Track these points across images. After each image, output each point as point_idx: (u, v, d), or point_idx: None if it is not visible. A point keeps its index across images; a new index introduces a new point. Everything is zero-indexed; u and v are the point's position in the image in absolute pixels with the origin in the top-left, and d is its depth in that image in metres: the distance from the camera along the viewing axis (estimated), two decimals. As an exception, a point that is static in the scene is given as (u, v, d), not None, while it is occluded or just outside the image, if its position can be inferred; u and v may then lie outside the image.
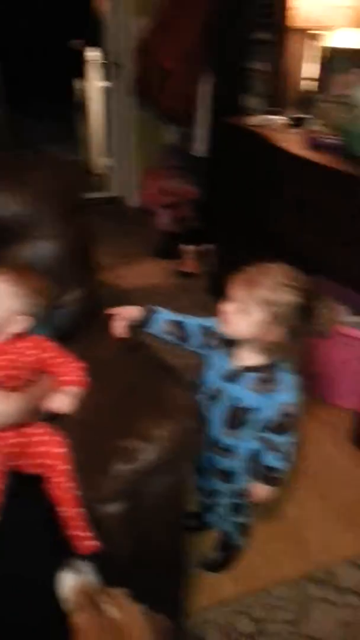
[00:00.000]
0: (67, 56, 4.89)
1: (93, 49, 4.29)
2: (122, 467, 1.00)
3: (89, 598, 0.89)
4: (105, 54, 4.09)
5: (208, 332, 1.26)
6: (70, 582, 0.92)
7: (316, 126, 2.10)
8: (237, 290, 1.14)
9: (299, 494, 1.76)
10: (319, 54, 2.46)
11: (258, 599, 1.43)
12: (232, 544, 1.51)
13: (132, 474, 1.01)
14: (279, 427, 1.20)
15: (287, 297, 1.09)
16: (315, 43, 2.45)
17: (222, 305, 1.17)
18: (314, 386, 2.24)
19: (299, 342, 1.16)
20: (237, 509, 1.40)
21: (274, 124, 2.46)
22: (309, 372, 2.25)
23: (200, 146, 3.27)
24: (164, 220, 3.80)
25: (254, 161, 2.35)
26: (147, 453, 1.01)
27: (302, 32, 2.48)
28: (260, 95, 2.93)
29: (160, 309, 1.31)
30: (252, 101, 3.05)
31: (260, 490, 1.26)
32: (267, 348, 1.16)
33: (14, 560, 0.97)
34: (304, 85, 2.58)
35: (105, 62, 4.11)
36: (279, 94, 2.64)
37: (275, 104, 2.65)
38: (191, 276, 3.25)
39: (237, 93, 3.04)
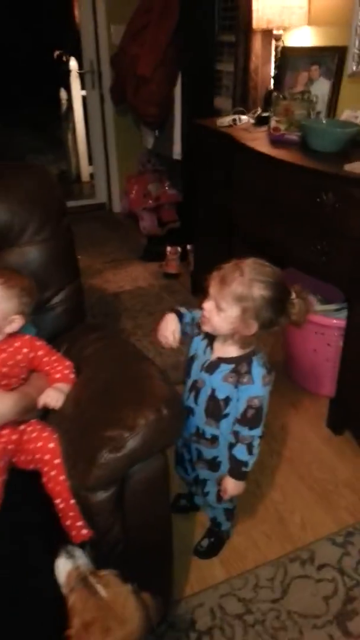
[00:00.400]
0: (51, 66, 4.96)
1: (74, 58, 4.36)
2: (109, 456, 1.06)
3: (82, 580, 0.95)
4: (83, 63, 4.15)
5: (194, 322, 1.33)
6: (65, 566, 0.98)
7: (277, 123, 2.17)
8: (212, 287, 1.20)
9: (279, 478, 1.84)
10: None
11: (245, 581, 1.50)
12: (220, 530, 1.58)
13: (119, 462, 1.07)
14: (247, 420, 1.25)
15: (259, 291, 1.15)
16: (279, 43, 2.54)
17: (202, 303, 1.24)
18: (291, 374, 2.32)
19: (273, 333, 1.23)
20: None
21: (242, 124, 2.55)
22: (286, 361, 2.34)
23: (178, 149, 3.34)
24: (147, 223, 3.87)
25: (224, 161, 2.43)
26: (132, 441, 1.07)
27: (265, 33, 2.57)
28: (228, 96, 3.02)
29: (180, 308, 1.36)
30: (222, 102, 3.15)
31: (231, 485, 1.31)
32: (243, 341, 1.22)
33: (13, 550, 1.02)
34: (271, 84, 2.68)
35: (83, 70, 4.18)
36: (246, 94, 2.72)
37: (243, 104, 2.73)
38: (175, 277, 3.32)
39: (206, 95, 3.13)
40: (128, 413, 1.11)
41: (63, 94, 5.05)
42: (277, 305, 1.18)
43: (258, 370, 1.23)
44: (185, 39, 3.07)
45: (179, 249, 3.38)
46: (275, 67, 2.64)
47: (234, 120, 2.63)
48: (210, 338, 1.30)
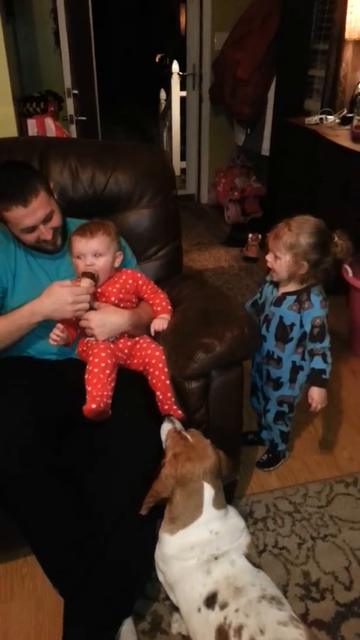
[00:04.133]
0: (153, 68, 5.43)
1: (175, 61, 4.79)
2: (203, 355, 1.43)
3: (177, 433, 1.33)
4: (187, 66, 4.58)
5: (265, 279, 1.73)
6: (166, 426, 1.35)
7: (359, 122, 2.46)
8: (270, 242, 1.59)
9: (334, 424, 2.16)
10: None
11: (296, 490, 1.83)
12: (277, 449, 1.92)
13: (209, 361, 1.44)
14: (315, 336, 1.60)
15: (304, 240, 1.51)
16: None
17: (266, 257, 1.61)
18: (353, 345, 2.59)
19: (323, 270, 1.56)
20: (281, 417, 1.81)
21: (328, 122, 2.85)
22: (349, 332, 2.60)
23: (267, 145, 3.68)
24: (232, 213, 4.24)
25: (308, 155, 2.74)
26: (220, 347, 1.44)
27: (356, 43, 2.86)
28: (318, 98, 3.31)
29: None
30: (311, 104, 3.45)
31: (317, 392, 1.63)
32: (300, 278, 1.58)
33: (130, 420, 1.40)
34: (358, 89, 2.95)
35: (185, 73, 4.61)
36: (334, 97, 3.02)
37: (330, 106, 3.03)
38: (254, 261, 3.66)
39: (297, 97, 3.44)
40: (218, 328, 1.48)
41: (162, 94, 5.52)
42: (321, 248, 1.54)
43: (316, 297, 1.59)
44: (284, 46, 3.40)
45: (260, 235, 3.71)
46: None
47: (321, 119, 2.95)
48: (276, 282, 1.66)
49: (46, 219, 1.48)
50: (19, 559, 1.60)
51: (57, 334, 1.44)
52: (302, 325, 1.61)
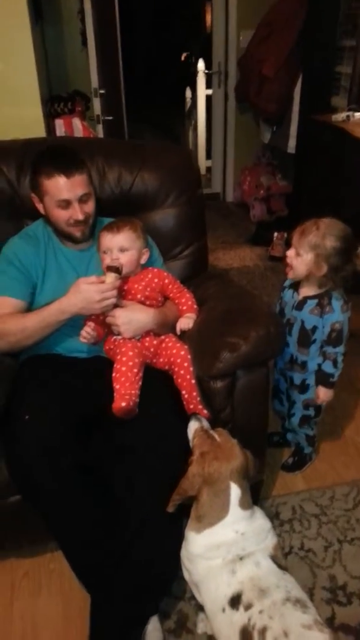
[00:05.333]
0: (178, 67, 5.43)
1: (201, 60, 4.78)
2: (228, 355, 1.43)
3: (204, 432, 1.32)
4: (213, 64, 4.56)
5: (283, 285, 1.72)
6: (193, 425, 1.35)
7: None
8: (294, 238, 1.57)
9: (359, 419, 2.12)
10: None
11: (323, 492, 1.80)
12: (304, 452, 1.90)
13: (235, 360, 1.43)
14: (331, 340, 1.59)
15: (330, 243, 1.49)
16: None
17: (287, 252, 1.58)
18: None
19: (341, 278, 1.54)
20: (306, 420, 1.79)
21: (356, 119, 2.80)
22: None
23: (293, 143, 3.64)
24: (257, 212, 4.21)
25: (335, 152, 2.70)
26: (246, 347, 1.43)
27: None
28: (345, 95, 3.26)
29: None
30: (338, 101, 3.39)
31: (322, 391, 1.65)
32: (319, 281, 1.56)
33: (157, 418, 1.40)
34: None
35: (210, 72, 4.59)
36: (360, 93, 2.95)
37: (358, 103, 2.97)
38: (280, 260, 3.62)
39: (324, 94, 3.39)
40: (244, 327, 1.47)
41: (188, 93, 5.51)
42: (344, 255, 1.52)
43: (337, 301, 1.57)
44: (310, 43, 3.36)
45: (286, 234, 3.67)
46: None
47: (348, 116, 2.90)
48: (295, 286, 1.64)
49: (82, 199, 1.55)
50: (46, 554, 1.63)
51: (87, 332, 1.47)
52: (324, 327, 1.60)
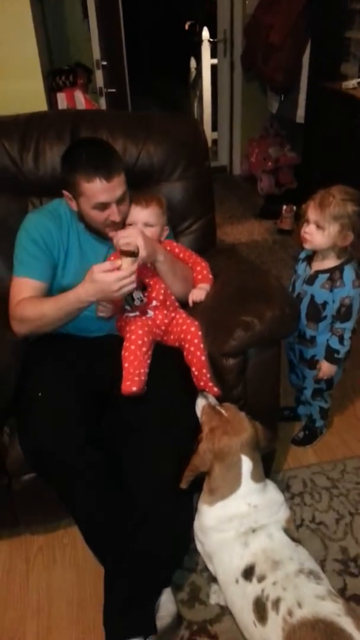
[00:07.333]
0: (182, 36, 5.28)
1: (205, 28, 4.65)
2: (242, 333, 1.41)
3: (211, 408, 1.32)
4: (218, 32, 4.43)
5: (298, 257, 1.69)
6: (201, 402, 1.35)
7: None
8: (311, 213, 1.51)
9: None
10: None
11: (334, 466, 1.81)
12: (314, 426, 1.89)
13: (248, 339, 1.41)
14: (339, 315, 1.56)
15: (352, 208, 1.45)
16: None
17: (302, 228, 1.54)
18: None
19: None
20: (319, 393, 1.78)
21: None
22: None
23: (302, 112, 3.55)
24: (265, 185, 4.14)
25: (346, 120, 2.63)
26: (260, 326, 1.41)
27: None
28: (355, 62, 3.15)
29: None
30: (348, 68, 3.29)
31: (326, 366, 1.63)
32: (340, 251, 1.52)
33: (166, 397, 1.40)
34: None
35: (215, 40, 4.46)
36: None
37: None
38: (289, 233, 3.57)
39: (333, 61, 3.28)
40: (259, 306, 1.45)
41: (192, 63, 5.37)
42: None
43: (349, 275, 1.53)
44: (318, 8, 3.24)
45: (295, 207, 3.61)
46: None
47: (359, 83, 2.81)
48: (309, 259, 1.60)
49: (120, 200, 1.48)
50: (59, 530, 1.65)
51: (103, 306, 1.45)
52: (334, 302, 1.57)
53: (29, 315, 1.45)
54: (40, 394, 1.34)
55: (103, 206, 1.46)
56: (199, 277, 1.64)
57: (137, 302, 1.52)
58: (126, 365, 1.40)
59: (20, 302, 1.47)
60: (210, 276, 1.65)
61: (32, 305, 1.46)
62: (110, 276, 1.32)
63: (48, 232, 1.54)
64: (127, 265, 1.34)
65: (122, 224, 1.53)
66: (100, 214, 1.48)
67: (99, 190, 1.43)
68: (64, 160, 1.52)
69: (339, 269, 1.55)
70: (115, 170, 1.44)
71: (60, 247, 1.55)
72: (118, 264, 1.34)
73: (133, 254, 1.36)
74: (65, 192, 1.52)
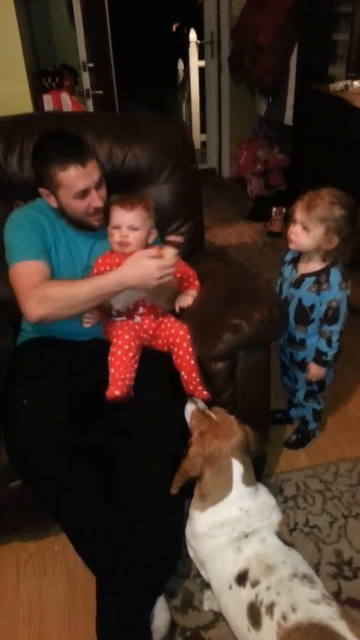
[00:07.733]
0: (169, 38, 5.28)
1: (193, 30, 4.64)
2: (230, 336, 1.40)
3: (200, 413, 1.30)
4: (204, 34, 4.43)
5: (284, 259, 1.68)
6: (190, 407, 1.33)
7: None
8: (299, 214, 1.50)
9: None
10: None
11: (327, 468, 1.79)
12: (307, 428, 1.88)
13: (237, 342, 1.40)
14: (327, 318, 1.55)
15: (339, 212, 1.44)
16: None
17: (289, 228, 1.53)
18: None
19: (350, 248, 1.50)
20: (312, 395, 1.77)
21: (354, 88, 2.72)
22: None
23: (290, 114, 3.55)
24: (255, 187, 4.14)
25: (334, 123, 2.63)
26: (249, 329, 1.40)
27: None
28: (342, 64, 3.17)
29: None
30: (335, 70, 3.30)
31: (314, 368, 1.62)
32: (326, 255, 1.51)
33: (155, 401, 1.38)
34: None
35: (203, 42, 4.46)
36: (359, 61, 2.87)
37: (356, 71, 2.89)
38: (279, 235, 3.57)
39: (321, 63, 3.29)
40: (247, 308, 1.43)
41: (180, 64, 5.37)
42: (352, 222, 1.46)
43: (335, 278, 1.52)
44: (305, 10, 3.25)
45: (284, 209, 3.61)
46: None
47: (346, 85, 2.82)
48: (294, 262, 1.60)
49: (98, 184, 1.49)
50: (50, 536, 1.62)
51: (87, 316, 1.44)
52: (321, 305, 1.56)
53: (55, 294, 1.39)
54: (24, 401, 1.32)
55: (83, 193, 1.46)
56: (186, 284, 1.62)
57: (123, 309, 1.50)
58: (112, 370, 1.38)
59: (40, 284, 1.40)
60: (197, 282, 1.63)
61: (59, 284, 1.43)
62: (155, 262, 1.36)
63: (36, 220, 1.53)
64: (171, 255, 1.39)
65: (104, 210, 1.52)
66: (82, 203, 1.48)
67: (76, 176, 1.43)
68: (35, 156, 1.52)
69: (325, 272, 1.53)
70: (87, 156, 1.46)
71: (50, 236, 1.52)
72: (162, 253, 1.39)
73: (178, 247, 1.42)
74: (41, 190, 1.51)
